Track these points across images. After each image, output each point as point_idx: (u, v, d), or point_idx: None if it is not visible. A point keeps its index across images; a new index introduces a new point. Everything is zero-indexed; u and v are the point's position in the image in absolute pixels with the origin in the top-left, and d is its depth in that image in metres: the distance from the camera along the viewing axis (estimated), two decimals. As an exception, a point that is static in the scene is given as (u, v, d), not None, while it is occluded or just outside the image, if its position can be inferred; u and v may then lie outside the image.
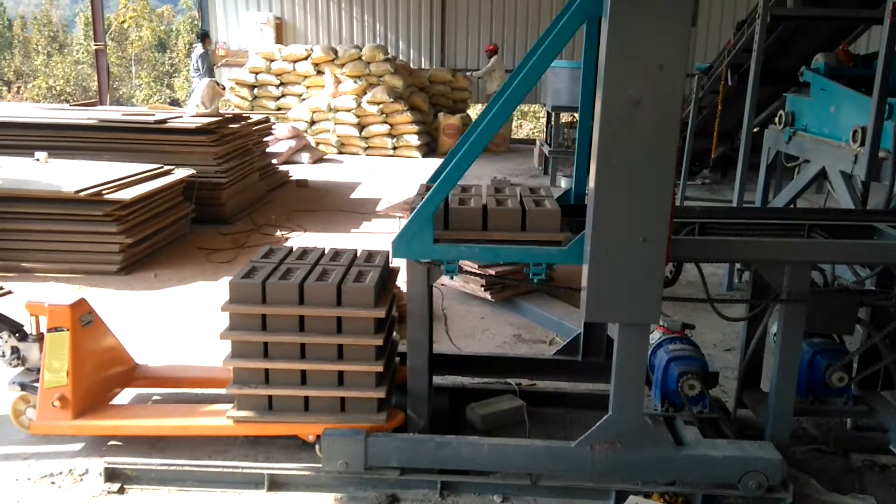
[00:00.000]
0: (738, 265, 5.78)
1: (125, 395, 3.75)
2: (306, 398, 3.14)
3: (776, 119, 5.41)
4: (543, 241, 2.93)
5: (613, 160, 2.58)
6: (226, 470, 3.06)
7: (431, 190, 2.89)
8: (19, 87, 28.41)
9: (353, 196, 9.51)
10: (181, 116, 8.09)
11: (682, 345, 3.34)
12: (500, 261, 3.00)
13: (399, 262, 3.26)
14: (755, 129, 6.40)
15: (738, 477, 2.91)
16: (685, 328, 3.53)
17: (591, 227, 2.67)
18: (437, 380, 3.71)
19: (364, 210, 8.61)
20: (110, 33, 27.55)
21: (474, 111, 16.76)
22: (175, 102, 14.07)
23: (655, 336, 3.46)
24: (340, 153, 13.36)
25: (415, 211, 2.90)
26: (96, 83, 13.64)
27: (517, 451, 3.02)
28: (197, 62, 12.28)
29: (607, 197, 2.62)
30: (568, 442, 2.98)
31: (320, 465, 3.04)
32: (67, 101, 22.77)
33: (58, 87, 27.30)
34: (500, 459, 3.02)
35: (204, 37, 12.82)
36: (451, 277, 3.06)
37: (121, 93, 27.47)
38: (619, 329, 2.83)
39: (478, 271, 5.19)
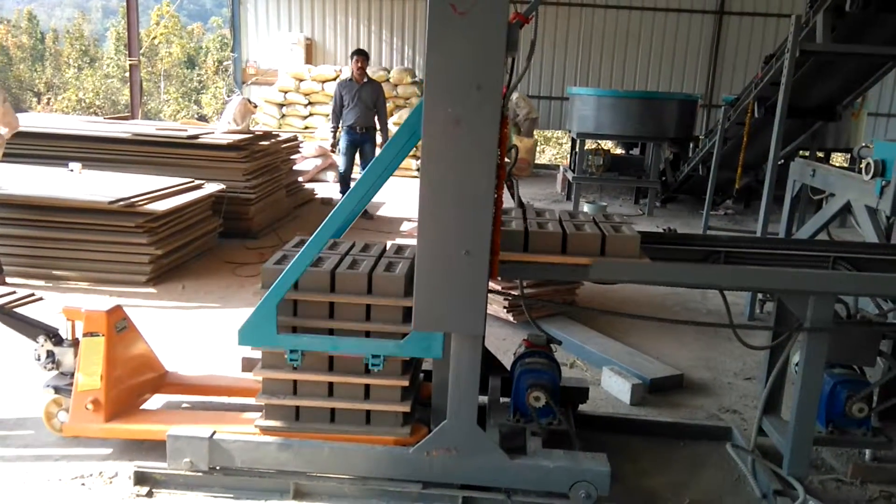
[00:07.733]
0: (759, 296, 5.81)
1: (155, 401, 3.82)
2: (332, 410, 3.21)
3: (863, 168, 4.74)
4: (385, 332, 3.08)
5: (436, 175, 2.66)
6: (252, 478, 3.12)
7: (279, 278, 2.98)
8: (49, 99, 28.97)
9: (377, 215, 9.59)
10: (213, 132, 8.25)
11: (537, 358, 3.40)
12: (339, 352, 3.10)
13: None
14: (780, 162, 6.42)
15: (567, 486, 2.98)
16: (550, 343, 3.60)
17: (418, 239, 2.75)
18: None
19: (388, 230, 8.69)
20: (142, 49, 28.08)
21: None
22: (203, 118, 14.23)
23: (522, 350, 3.55)
24: (364, 173, 13.48)
25: (260, 301, 3.00)
26: (125, 97, 13.93)
27: (357, 454, 3.09)
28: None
29: (431, 210, 2.70)
30: (407, 448, 3.07)
31: (345, 477, 3.10)
32: (96, 114, 23.17)
33: (87, 100, 27.80)
34: (342, 462, 3.10)
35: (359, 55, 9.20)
36: (294, 367, 3.11)
37: (149, 107, 27.89)
38: (453, 339, 2.92)
39: (502, 290, 5.25)
